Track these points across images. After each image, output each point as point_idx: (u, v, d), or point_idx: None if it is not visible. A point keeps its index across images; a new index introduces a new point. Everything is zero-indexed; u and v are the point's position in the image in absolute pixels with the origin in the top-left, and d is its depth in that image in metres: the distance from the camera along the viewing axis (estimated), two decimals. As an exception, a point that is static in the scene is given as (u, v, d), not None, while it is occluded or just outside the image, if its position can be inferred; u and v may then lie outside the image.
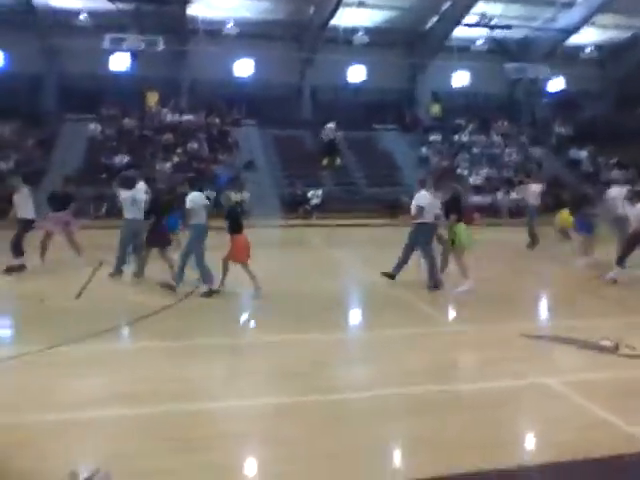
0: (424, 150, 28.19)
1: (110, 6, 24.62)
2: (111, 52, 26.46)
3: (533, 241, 14.41)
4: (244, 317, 8.66)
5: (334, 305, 8.91)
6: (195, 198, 9.26)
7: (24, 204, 10.71)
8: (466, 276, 9.69)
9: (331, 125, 26.91)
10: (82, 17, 25.99)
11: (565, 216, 13.61)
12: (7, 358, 6.17)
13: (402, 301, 9.08)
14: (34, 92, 27.71)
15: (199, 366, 6.09)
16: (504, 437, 4.64)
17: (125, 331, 7.74)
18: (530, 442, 4.81)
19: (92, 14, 26.03)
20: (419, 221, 9.84)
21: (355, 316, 8.99)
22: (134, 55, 25.68)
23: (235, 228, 9.11)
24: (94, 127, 24.85)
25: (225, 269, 9.19)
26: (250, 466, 4.35)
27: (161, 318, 7.95)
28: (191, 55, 28.65)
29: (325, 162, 25.88)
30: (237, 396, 5.38)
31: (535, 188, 14.99)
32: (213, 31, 27.50)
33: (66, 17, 26.21)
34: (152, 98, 27.15)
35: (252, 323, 8.41)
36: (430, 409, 5.06)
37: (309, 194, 22.89)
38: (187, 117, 26.54)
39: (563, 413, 5.00)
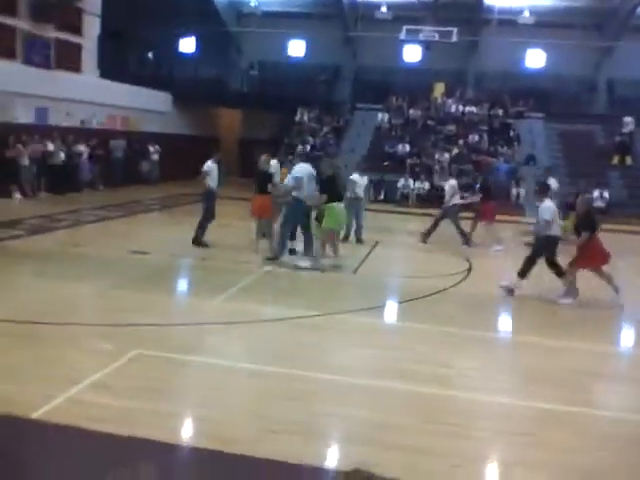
0: None
1: (410, -1, 25.71)
2: (404, 44, 27.56)
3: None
4: (509, 315, 8.60)
5: (606, 317, 8.34)
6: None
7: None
8: (323, 255, 9.75)
9: (628, 119, 24.57)
10: (383, 9, 27.49)
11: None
12: (293, 318, 7.09)
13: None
14: (332, 82, 30.21)
15: (463, 355, 6.28)
16: None
17: (395, 309, 8.29)
18: None
19: (392, 7, 27.41)
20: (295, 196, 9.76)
21: (628, 330, 8.30)
22: (426, 47, 26.40)
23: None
24: (382, 117, 26.24)
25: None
26: (507, 464, 4.33)
27: (430, 301, 8.32)
28: (481, 46, 28.49)
29: (615, 160, 23.79)
30: (500, 392, 5.40)
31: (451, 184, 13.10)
32: (507, 21, 26.92)
33: (368, 10, 28.02)
34: (439, 89, 27.65)
35: (516, 322, 8.30)
36: None
37: (593, 195, 21.32)
38: (470, 109, 26.53)
39: None
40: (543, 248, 8.77)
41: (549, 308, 8.46)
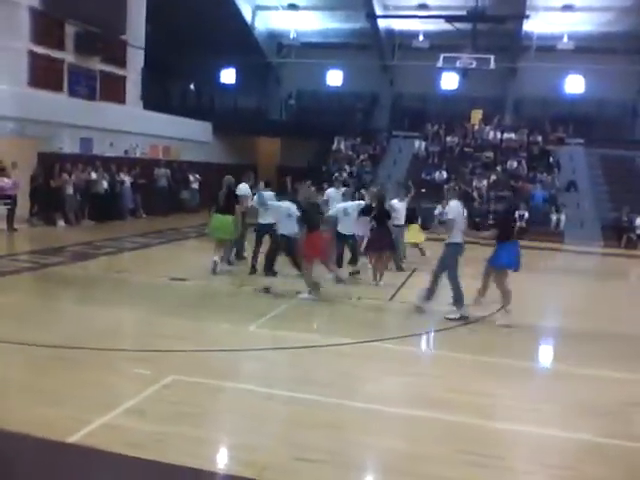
0: None
1: (446, 27, 25.79)
2: (441, 72, 27.67)
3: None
4: (547, 345, 8.43)
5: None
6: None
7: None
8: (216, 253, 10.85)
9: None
10: (420, 38, 27.67)
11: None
12: (328, 346, 7.08)
13: None
14: (369, 110, 30.44)
15: (497, 384, 6.16)
16: None
17: (429, 338, 8.19)
18: None
19: (429, 35, 27.57)
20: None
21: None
22: (463, 74, 26.45)
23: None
24: (419, 144, 26.26)
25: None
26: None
27: (465, 331, 8.21)
28: (519, 72, 28.43)
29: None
30: (536, 423, 5.29)
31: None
32: (546, 47, 26.84)
33: (405, 39, 28.31)
34: (476, 116, 27.57)
35: (555, 352, 8.13)
36: None
37: (636, 221, 20.84)
38: (509, 135, 26.37)
39: None
40: (278, 244, 9.89)
41: (593, 338, 8.26)
